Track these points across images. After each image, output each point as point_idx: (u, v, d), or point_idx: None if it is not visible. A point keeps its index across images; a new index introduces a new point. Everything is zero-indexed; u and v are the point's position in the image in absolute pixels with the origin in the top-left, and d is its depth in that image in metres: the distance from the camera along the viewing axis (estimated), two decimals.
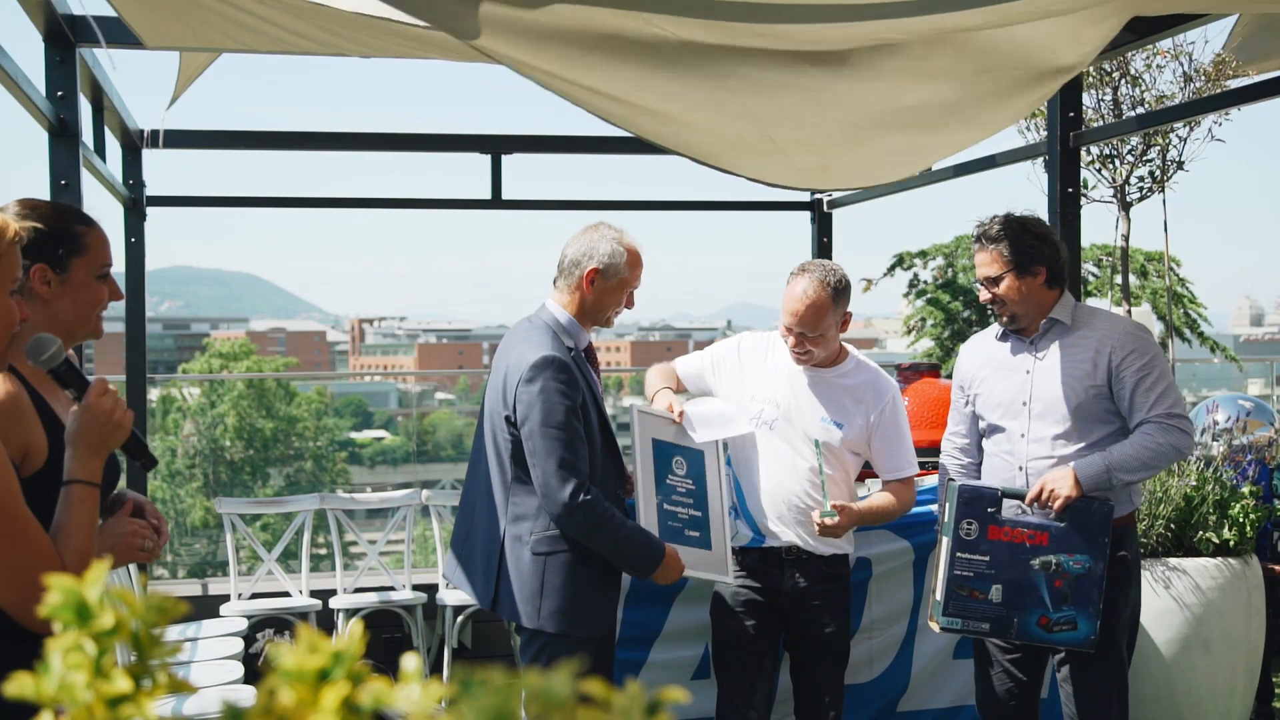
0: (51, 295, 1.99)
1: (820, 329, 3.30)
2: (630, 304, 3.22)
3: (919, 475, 4.28)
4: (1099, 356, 3.27)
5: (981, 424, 3.51)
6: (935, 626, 3.32)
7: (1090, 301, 9.81)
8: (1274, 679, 4.79)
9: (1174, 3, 3.61)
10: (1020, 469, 3.35)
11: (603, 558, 3.08)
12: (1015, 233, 3.34)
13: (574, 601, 3.06)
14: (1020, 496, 3.26)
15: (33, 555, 1.71)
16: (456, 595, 5.66)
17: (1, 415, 1.82)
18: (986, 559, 3.23)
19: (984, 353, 3.53)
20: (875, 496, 3.48)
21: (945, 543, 3.30)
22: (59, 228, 2.02)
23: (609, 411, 3.31)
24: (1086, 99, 6.20)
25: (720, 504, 3.39)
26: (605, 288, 3.13)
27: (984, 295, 3.42)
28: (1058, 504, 3.19)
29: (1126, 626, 3.37)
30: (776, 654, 3.44)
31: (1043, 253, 3.34)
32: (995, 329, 3.55)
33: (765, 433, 3.40)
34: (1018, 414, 3.36)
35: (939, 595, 3.28)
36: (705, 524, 3.32)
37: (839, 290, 3.33)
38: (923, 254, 14.34)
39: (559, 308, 3.16)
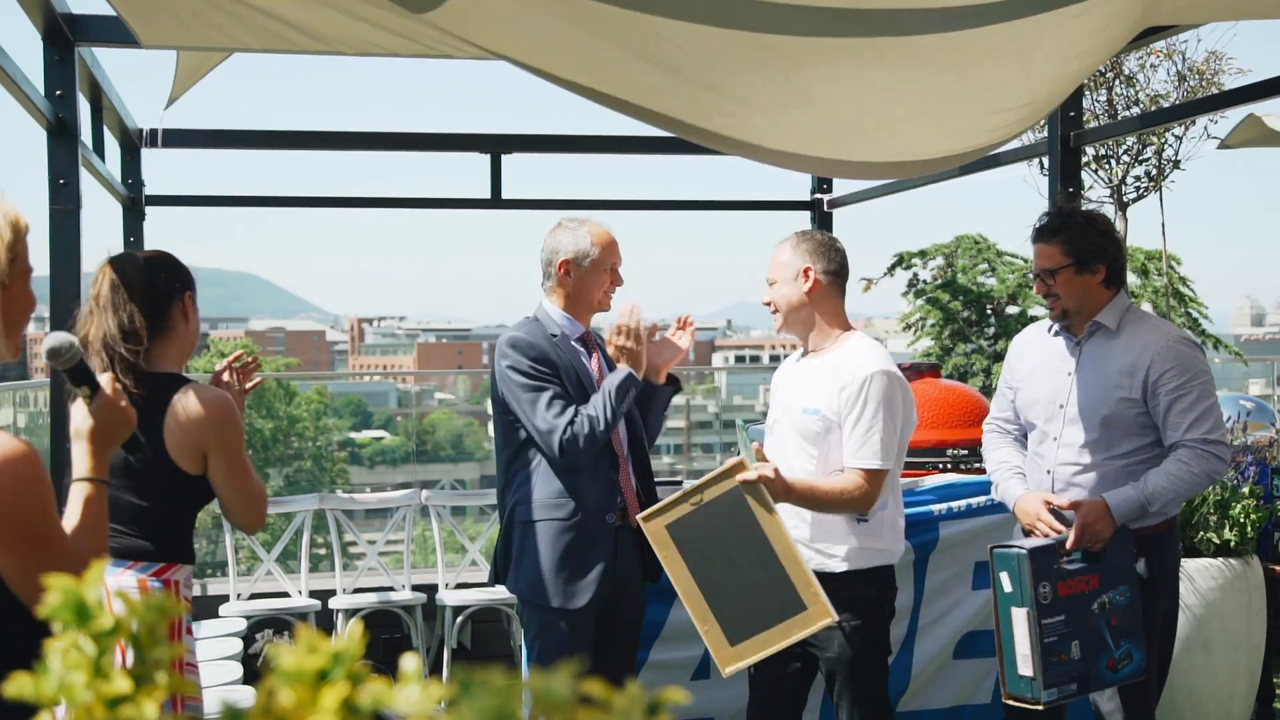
0: (188, 320, 2.63)
1: (775, 275, 3.23)
2: (618, 281, 3.38)
3: (919, 475, 4.29)
4: (1137, 369, 3.14)
5: (1022, 417, 3.42)
6: (1030, 704, 3.08)
7: None
8: (1275, 679, 4.79)
9: (1184, 15, 3.60)
10: (1048, 473, 3.27)
11: (561, 533, 3.19)
12: (1079, 227, 3.23)
13: (540, 571, 3.21)
14: (1061, 544, 3.11)
15: (59, 560, 1.73)
16: (456, 595, 5.66)
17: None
18: (1063, 618, 3.06)
19: (1034, 347, 3.42)
20: (823, 479, 3.09)
21: (1025, 614, 3.03)
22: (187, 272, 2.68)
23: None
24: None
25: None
26: (581, 274, 3.32)
27: (1038, 288, 3.30)
28: (1096, 547, 3.08)
29: (1156, 642, 3.23)
30: (804, 659, 3.22)
31: (1105, 251, 3.23)
32: (1048, 321, 3.43)
33: (769, 438, 3.29)
34: (1053, 416, 3.27)
35: (1029, 670, 3.04)
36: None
37: (810, 244, 3.23)
38: (922, 254, 14.35)
39: (550, 304, 3.37)
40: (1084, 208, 3.37)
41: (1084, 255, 3.20)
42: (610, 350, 3.26)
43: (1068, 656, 3.05)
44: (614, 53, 3.10)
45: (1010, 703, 3.12)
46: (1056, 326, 3.35)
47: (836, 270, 3.22)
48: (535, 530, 3.23)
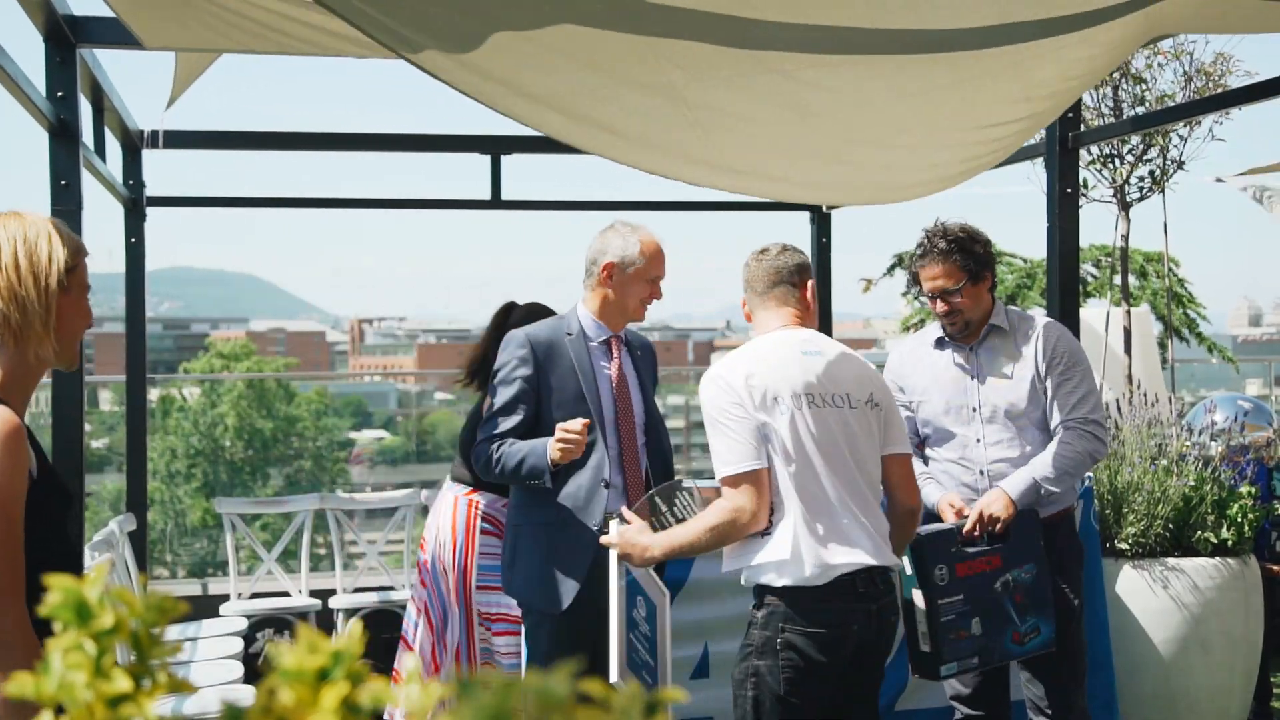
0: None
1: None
2: (657, 294, 3.34)
3: None
4: (1039, 357, 3.39)
5: (925, 430, 3.54)
6: (930, 677, 3.29)
7: (1089, 302, 9.79)
8: (1272, 679, 4.79)
9: (1190, 25, 3.60)
10: (982, 473, 3.42)
11: (547, 537, 3.22)
12: (966, 243, 3.40)
13: (527, 573, 3.26)
14: (958, 531, 3.29)
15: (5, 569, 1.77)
16: None
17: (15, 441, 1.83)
18: (961, 597, 3.24)
19: (923, 362, 3.56)
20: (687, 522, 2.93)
21: (919, 595, 3.22)
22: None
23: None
24: (1087, 98, 6.19)
25: (668, 662, 3.05)
26: (624, 279, 3.29)
27: (940, 307, 3.43)
28: (998, 528, 3.26)
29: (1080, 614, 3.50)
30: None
31: (989, 259, 3.44)
32: (928, 336, 3.59)
33: None
34: (969, 420, 3.43)
35: (928, 646, 3.21)
36: (655, 674, 3.05)
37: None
38: None
39: (584, 309, 3.35)
40: (955, 222, 3.45)
41: (976, 267, 3.39)
42: (554, 449, 3.09)
43: (968, 633, 3.22)
44: (634, 97, 3.12)
45: (916, 676, 3.31)
46: (941, 338, 3.51)
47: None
48: (523, 533, 3.29)
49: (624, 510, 2.99)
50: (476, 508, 4.04)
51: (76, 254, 1.96)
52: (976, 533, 3.27)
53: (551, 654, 3.22)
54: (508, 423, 3.21)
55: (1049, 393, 3.37)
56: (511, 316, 4.02)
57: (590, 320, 3.33)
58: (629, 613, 2.98)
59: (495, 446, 3.20)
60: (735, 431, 2.78)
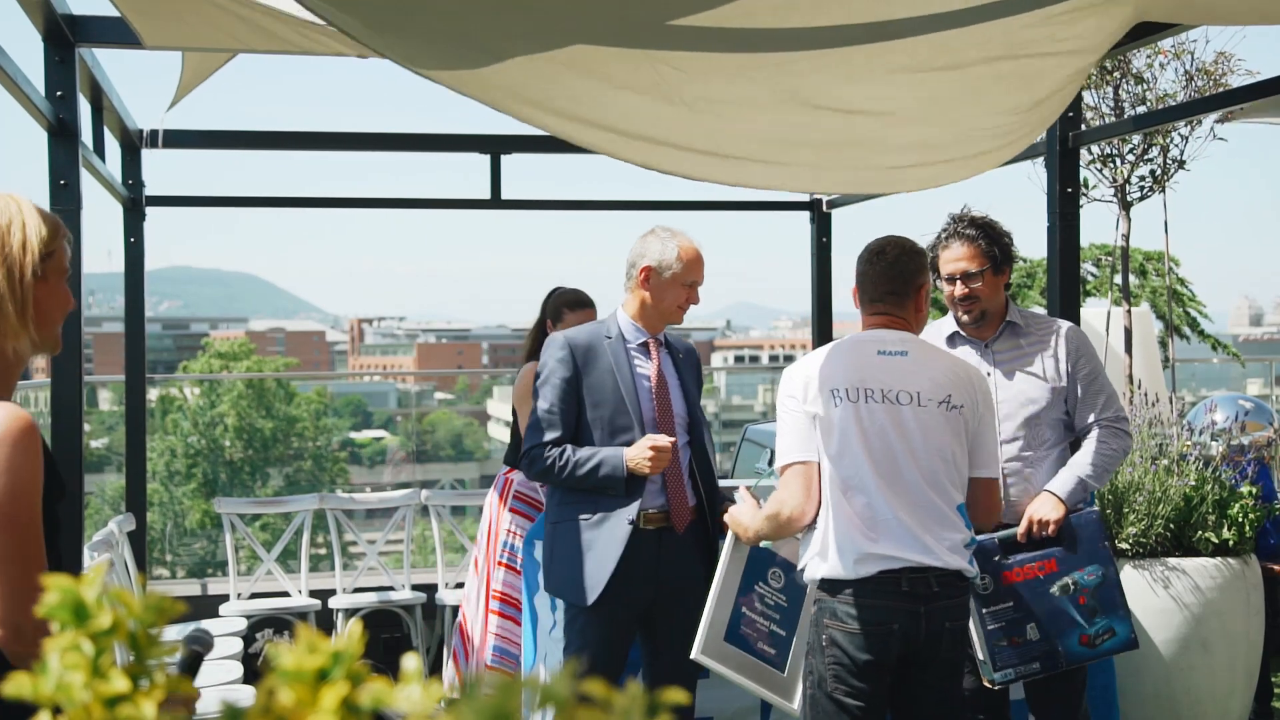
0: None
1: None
2: (694, 299, 3.42)
3: None
4: (1057, 359, 3.36)
5: None
6: (989, 684, 3.24)
7: (1089, 301, 9.79)
8: (1273, 679, 4.79)
9: (1178, 14, 3.59)
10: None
11: (580, 532, 3.28)
12: (993, 230, 3.38)
13: (562, 568, 3.30)
14: (1011, 538, 3.26)
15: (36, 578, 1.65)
16: (456, 595, 5.66)
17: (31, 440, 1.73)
18: (1011, 604, 3.22)
19: None
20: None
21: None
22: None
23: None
24: (1088, 98, 6.19)
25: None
26: (660, 284, 3.37)
27: (958, 290, 3.38)
28: (1050, 530, 3.23)
29: None
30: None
31: (1010, 255, 3.43)
32: (940, 332, 3.53)
33: None
34: None
35: (982, 655, 3.21)
36: (786, 645, 3.13)
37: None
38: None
39: (623, 312, 3.44)
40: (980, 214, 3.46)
41: (1000, 256, 3.37)
42: (637, 459, 3.19)
43: (1022, 639, 3.20)
44: (636, 99, 3.12)
45: (985, 683, 3.24)
46: (954, 334, 3.47)
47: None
48: (559, 530, 3.34)
49: (742, 488, 3.17)
50: (511, 484, 4.35)
51: (54, 237, 1.83)
52: (1033, 533, 3.23)
53: (582, 647, 3.27)
54: (556, 426, 3.28)
55: (1078, 394, 3.36)
56: (550, 297, 4.36)
57: (629, 323, 3.41)
58: (751, 584, 3.13)
59: (558, 452, 3.25)
60: (787, 425, 2.85)
